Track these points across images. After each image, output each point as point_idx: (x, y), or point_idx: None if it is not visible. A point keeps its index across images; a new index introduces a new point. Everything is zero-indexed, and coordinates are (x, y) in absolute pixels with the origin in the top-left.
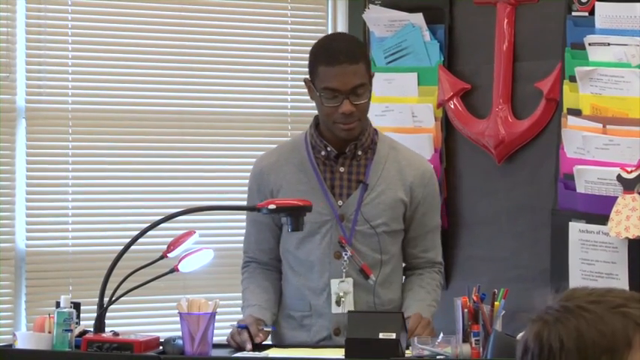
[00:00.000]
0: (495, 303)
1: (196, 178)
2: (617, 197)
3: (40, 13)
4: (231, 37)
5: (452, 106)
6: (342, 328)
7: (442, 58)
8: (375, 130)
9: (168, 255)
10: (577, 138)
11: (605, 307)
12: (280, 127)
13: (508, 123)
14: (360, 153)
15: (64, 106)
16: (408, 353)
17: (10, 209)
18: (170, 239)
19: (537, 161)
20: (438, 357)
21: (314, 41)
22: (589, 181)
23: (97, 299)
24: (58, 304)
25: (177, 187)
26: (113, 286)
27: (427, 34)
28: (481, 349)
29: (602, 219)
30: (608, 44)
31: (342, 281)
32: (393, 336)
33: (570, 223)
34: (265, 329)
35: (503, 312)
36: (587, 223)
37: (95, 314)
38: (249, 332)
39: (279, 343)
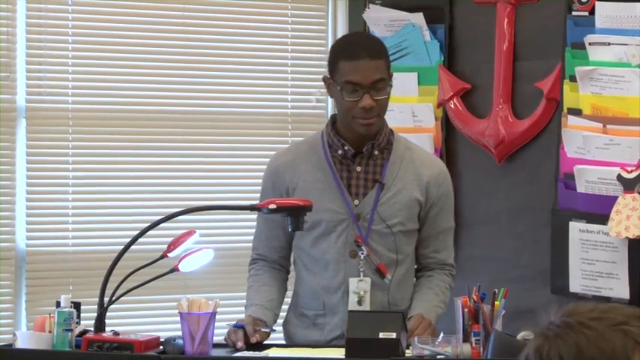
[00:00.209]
0: (496, 303)
1: (196, 178)
2: (617, 197)
3: (41, 12)
4: (232, 36)
5: (452, 106)
6: None
7: (442, 58)
8: (391, 130)
9: (168, 255)
10: (577, 138)
11: (606, 325)
12: (280, 127)
13: (508, 123)
14: (376, 152)
15: (64, 105)
16: (409, 353)
17: (11, 209)
18: (170, 239)
19: (537, 161)
20: (438, 357)
21: (314, 41)
22: (589, 180)
23: (97, 299)
24: (58, 304)
25: (177, 187)
26: (113, 285)
27: (427, 34)
28: (481, 348)
29: (603, 219)
30: (609, 44)
31: (361, 280)
32: (394, 336)
33: (570, 222)
34: (263, 330)
35: (504, 312)
36: (588, 222)
37: (95, 314)
38: (245, 332)
39: (290, 342)
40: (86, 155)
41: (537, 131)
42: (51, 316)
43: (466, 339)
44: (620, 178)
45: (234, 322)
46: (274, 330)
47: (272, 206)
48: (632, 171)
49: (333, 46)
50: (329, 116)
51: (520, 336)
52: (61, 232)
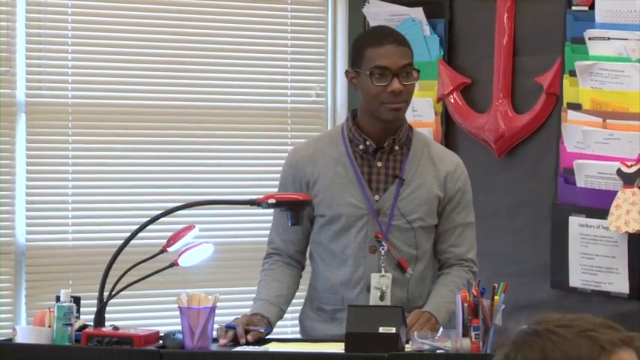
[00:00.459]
0: (495, 297)
1: (196, 173)
2: (617, 191)
3: (40, 7)
4: (231, 31)
5: (452, 101)
6: None
7: (442, 53)
8: (410, 126)
9: (168, 249)
10: (577, 132)
11: (573, 331)
12: (280, 122)
13: (508, 117)
14: (397, 148)
15: (64, 100)
16: (408, 348)
17: (10, 203)
18: (170, 233)
19: (537, 156)
20: (437, 351)
21: (314, 35)
22: (589, 175)
23: (96, 293)
24: (58, 299)
25: (177, 182)
26: (113, 280)
27: (427, 29)
28: (481, 343)
29: (602, 213)
30: (608, 38)
31: (383, 276)
32: (393, 330)
33: (570, 217)
34: (254, 330)
35: (503, 306)
36: (587, 217)
37: (95, 308)
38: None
39: (307, 336)
40: (86, 150)
41: (537, 126)
42: (51, 311)
43: (466, 333)
44: (619, 172)
45: (227, 323)
46: (270, 330)
47: (271, 201)
48: (631, 165)
49: (356, 39)
50: (329, 111)
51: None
52: (60, 226)
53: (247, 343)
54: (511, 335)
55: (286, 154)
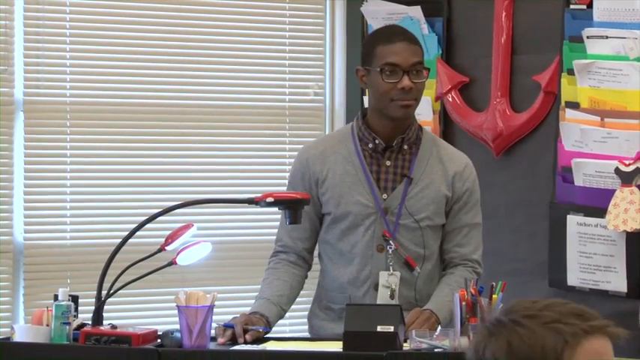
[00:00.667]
0: (493, 296)
1: (194, 171)
2: (615, 190)
3: (39, 5)
4: (230, 30)
5: (450, 99)
6: None
7: (440, 51)
8: (420, 126)
9: (166, 248)
10: (575, 131)
11: (538, 322)
12: (278, 121)
13: (506, 116)
14: (406, 147)
15: (62, 99)
16: (406, 346)
17: (8, 202)
18: (168, 232)
19: (535, 154)
20: (435, 350)
21: (312, 34)
22: (587, 174)
23: (95, 292)
24: (56, 297)
25: (175, 180)
26: (111, 279)
27: (425, 27)
28: None
29: (600, 212)
30: (607, 37)
31: (391, 274)
32: (391, 329)
33: (568, 216)
34: (252, 329)
35: (501, 305)
36: (585, 216)
37: (93, 307)
38: (233, 332)
39: (315, 335)
40: (84, 148)
41: (535, 124)
42: (49, 310)
43: (464, 332)
44: (617, 171)
45: (226, 322)
46: (269, 329)
47: (269, 199)
48: (629, 164)
49: (367, 38)
50: (327, 110)
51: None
52: (58, 225)
53: (245, 343)
54: (483, 325)
55: (284, 153)
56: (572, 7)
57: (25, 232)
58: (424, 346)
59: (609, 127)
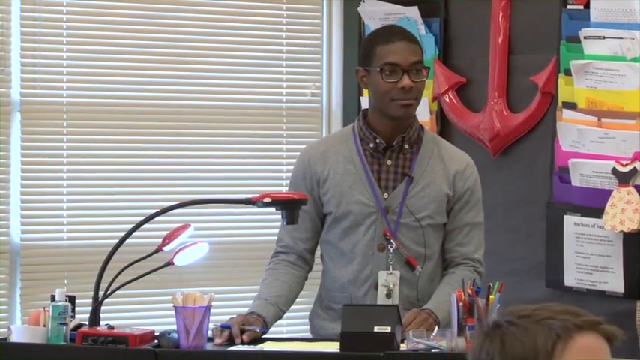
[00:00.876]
0: (490, 296)
1: (191, 172)
2: (612, 190)
3: (35, 6)
4: (227, 30)
5: (447, 100)
6: None
7: (437, 52)
8: (421, 125)
9: (163, 248)
10: (572, 131)
11: (531, 320)
12: (275, 121)
13: (503, 116)
14: (406, 147)
15: (59, 99)
16: (404, 347)
17: (5, 202)
18: (165, 232)
19: (532, 155)
20: (432, 350)
21: (309, 34)
22: (584, 174)
23: (92, 292)
24: (53, 298)
25: (172, 181)
26: (108, 279)
27: (422, 28)
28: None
29: (597, 212)
30: (604, 37)
31: (390, 273)
32: (388, 329)
33: (565, 216)
34: (249, 329)
35: (499, 305)
36: (582, 216)
37: (90, 307)
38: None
39: (316, 334)
40: (81, 149)
41: (532, 125)
42: (46, 310)
43: (461, 333)
44: (614, 171)
45: (223, 322)
46: (266, 330)
47: (266, 200)
48: (626, 164)
49: (366, 38)
50: (324, 110)
51: None
52: (55, 225)
53: (242, 343)
54: (481, 330)
55: (281, 153)
56: (569, 7)
57: (22, 232)
58: (421, 346)
59: (606, 127)
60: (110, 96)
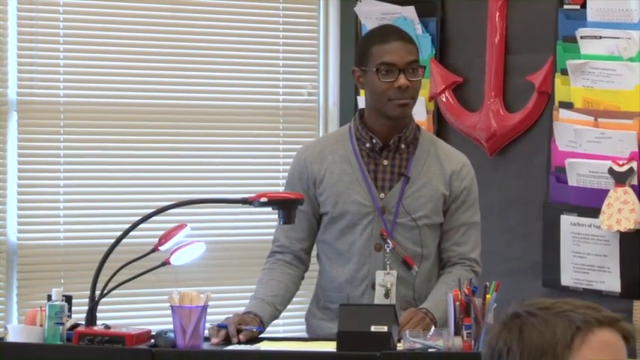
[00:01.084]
0: (487, 296)
1: (188, 171)
2: (608, 190)
3: (32, 5)
4: (223, 29)
5: (444, 99)
6: None
7: (434, 51)
8: (417, 125)
9: (159, 248)
10: (569, 131)
11: (551, 312)
12: (272, 121)
13: (500, 116)
14: (403, 146)
15: (55, 99)
16: (400, 347)
17: (2, 202)
18: (162, 232)
19: (529, 154)
20: (429, 350)
21: (306, 34)
22: (581, 174)
23: (88, 292)
24: (49, 297)
25: (168, 180)
26: (105, 279)
27: (419, 27)
28: (473, 342)
29: (594, 212)
30: (600, 37)
31: (388, 273)
32: (385, 329)
33: (562, 216)
34: (246, 329)
35: (495, 305)
36: (579, 216)
37: (87, 307)
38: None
39: (313, 334)
40: (77, 148)
41: (529, 125)
42: (42, 310)
43: (457, 332)
44: (611, 171)
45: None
46: (263, 329)
47: (263, 200)
48: (623, 164)
49: (362, 38)
50: (320, 110)
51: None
52: (52, 225)
53: (239, 343)
54: (498, 320)
55: (278, 153)
56: (565, 7)
57: (19, 232)
58: (418, 346)
59: (603, 127)
60: (107, 96)
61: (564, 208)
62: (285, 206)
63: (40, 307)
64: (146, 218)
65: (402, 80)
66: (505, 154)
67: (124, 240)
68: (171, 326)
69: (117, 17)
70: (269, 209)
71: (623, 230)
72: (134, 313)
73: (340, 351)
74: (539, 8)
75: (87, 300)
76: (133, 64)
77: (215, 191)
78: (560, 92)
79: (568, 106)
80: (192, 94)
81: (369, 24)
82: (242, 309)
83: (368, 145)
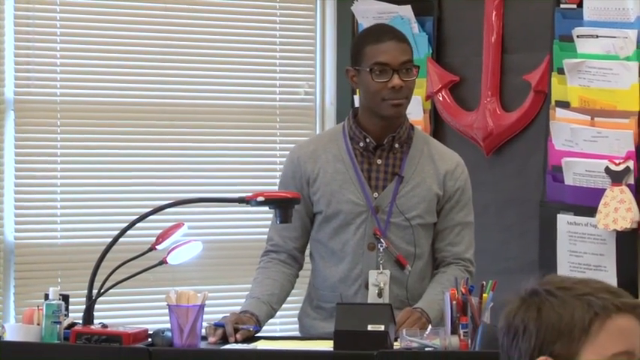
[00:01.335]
0: (484, 295)
1: (185, 170)
2: (605, 189)
3: (29, 5)
4: (220, 29)
5: (440, 99)
6: None
7: (431, 51)
8: (411, 124)
9: (157, 247)
10: (565, 130)
11: (571, 294)
12: (269, 120)
13: (496, 115)
14: (397, 146)
15: (52, 98)
16: (397, 345)
17: None
18: (159, 231)
19: (526, 153)
20: (426, 349)
21: (303, 33)
22: (577, 173)
23: (85, 291)
24: (46, 296)
25: (166, 180)
26: (102, 278)
27: (416, 27)
28: (469, 340)
29: (591, 211)
30: (597, 36)
31: (381, 272)
32: (382, 328)
33: (558, 215)
34: (243, 328)
35: (492, 304)
36: (576, 215)
37: (84, 306)
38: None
39: (306, 334)
40: (75, 148)
41: (525, 124)
42: (39, 309)
43: (454, 331)
44: (608, 170)
45: (216, 321)
46: (259, 328)
47: (260, 199)
48: (619, 163)
49: (356, 38)
50: (317, 109)
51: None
52: (49, 224)
53: (236, 342)
54: (515, 295)
55: (275, 152)
56: (562, 6)
57: (16, 231)
58: (415, 345)
59: (599, 126)
60: (104, 95)
61: (561, 207)
62: (282, 205)
63: (38, 306)
64: (143, 217)
65: (396, 80)
66: (502, 153)
67: (121, 239)
68: (168, 325)
69: (114, 16)
70: (266, 208)
71: (619, 229)
72: (131, 312)
73: (337, 350)
74: (536, 7)
75: (84, 299)
76: (129, 63)
77: (212, 190)
78: (557, 91)
79: (564, 105)
80: (189, 93)
81: (365, 23)
82: (239, 308)
83: (361, 144)
